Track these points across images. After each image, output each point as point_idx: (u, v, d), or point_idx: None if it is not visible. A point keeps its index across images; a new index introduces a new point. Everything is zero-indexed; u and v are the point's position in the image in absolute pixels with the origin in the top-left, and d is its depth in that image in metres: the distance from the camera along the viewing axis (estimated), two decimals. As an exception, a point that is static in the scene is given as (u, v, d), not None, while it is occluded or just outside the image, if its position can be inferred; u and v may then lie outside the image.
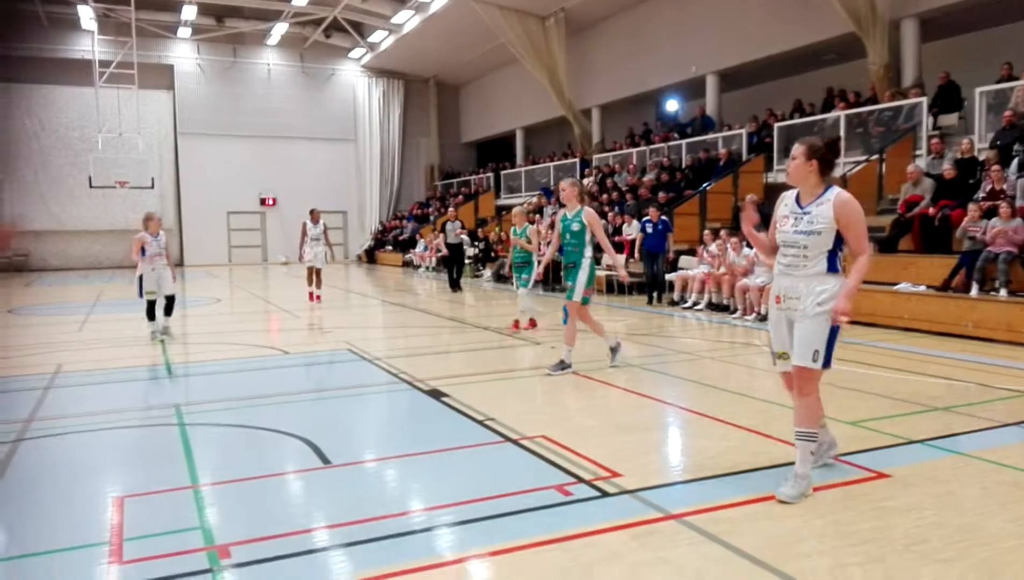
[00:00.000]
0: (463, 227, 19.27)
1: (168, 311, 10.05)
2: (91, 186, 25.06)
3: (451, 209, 20.26)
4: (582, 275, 7.34)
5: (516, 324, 10.42)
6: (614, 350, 7.67)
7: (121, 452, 5.21)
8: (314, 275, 14.24)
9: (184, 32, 27.96)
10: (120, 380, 7.67)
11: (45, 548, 3.60)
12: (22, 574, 3.37)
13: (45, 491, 4.38)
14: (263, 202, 30.30)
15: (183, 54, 28.87)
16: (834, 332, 3.97)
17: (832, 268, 4.00)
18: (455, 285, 17.55)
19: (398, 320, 12.49)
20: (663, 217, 13.62)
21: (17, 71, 26.39)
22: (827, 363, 3.97)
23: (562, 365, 7.36)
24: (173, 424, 5.82)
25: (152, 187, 26.88)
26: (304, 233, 14.64)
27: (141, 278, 9.69)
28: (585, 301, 7.41)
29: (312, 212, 14.83)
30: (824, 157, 3.96)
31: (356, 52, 30.46)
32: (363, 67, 31.39)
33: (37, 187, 27.41)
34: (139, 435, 5.63)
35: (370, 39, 28.96)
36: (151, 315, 9.85)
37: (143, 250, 9.66)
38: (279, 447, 5.28)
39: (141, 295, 9.74)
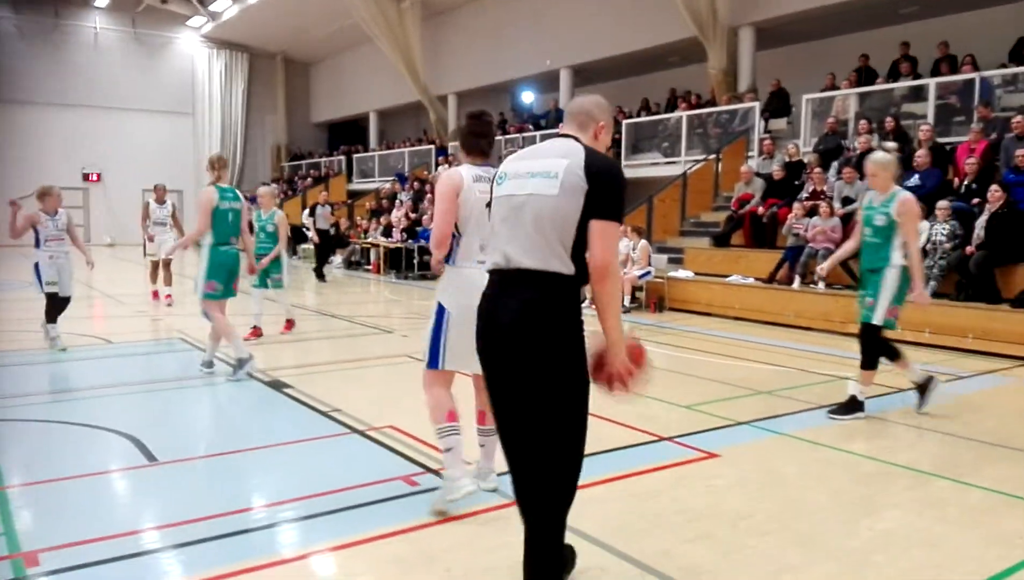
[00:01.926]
0: (333, 212, 17.85)
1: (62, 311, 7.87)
2: None
3: (322, 192, 18.65)
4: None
5: (289, 324, 9.00)
6: (209, 364, 6.82)
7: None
8: (160, 269, 11.62)
9: (-4, -14, 25.16)
10: (-90, 371, 6.79)
11: None
12: None
13: None
14: (86, 178, 27.82)
15: (-4, 11, 25.98)
16: (436, 331, 3.68)
17: (447, 258, 3.71)
18: (320, 274, 16.14)
19: (236, 308, 11.89)
20: None
21: None
22: (430, 363, 3.71)
23: (241, 363, 6.58)
24: (-26, 420, 5.22)
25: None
26: (146, 216, 11.86)
27: (37, 266, 7.67)
28: (209, 296, 6.52)
29: (156, 189, 12.21)
30: (460, 138, 3.84)
31: (196, 20, 28.57)
32: (203, 37, 29.52)
33: None
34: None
35: (211, 7, 27.23)
36: (52, 315, 7.71)
37: (36, 233, 7.66)
38: (98, 444, 4.85)
39: (42, 288, 7.68)
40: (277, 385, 6.35)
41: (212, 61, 30.04)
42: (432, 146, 23.42)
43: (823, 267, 6.52)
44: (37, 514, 3.69)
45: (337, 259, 20.11)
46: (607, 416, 5.31)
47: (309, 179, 27.56)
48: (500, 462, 4.07)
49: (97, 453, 4.67)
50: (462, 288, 3.58)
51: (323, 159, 29.16)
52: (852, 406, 5.51)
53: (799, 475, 4.32)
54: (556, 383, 2.43)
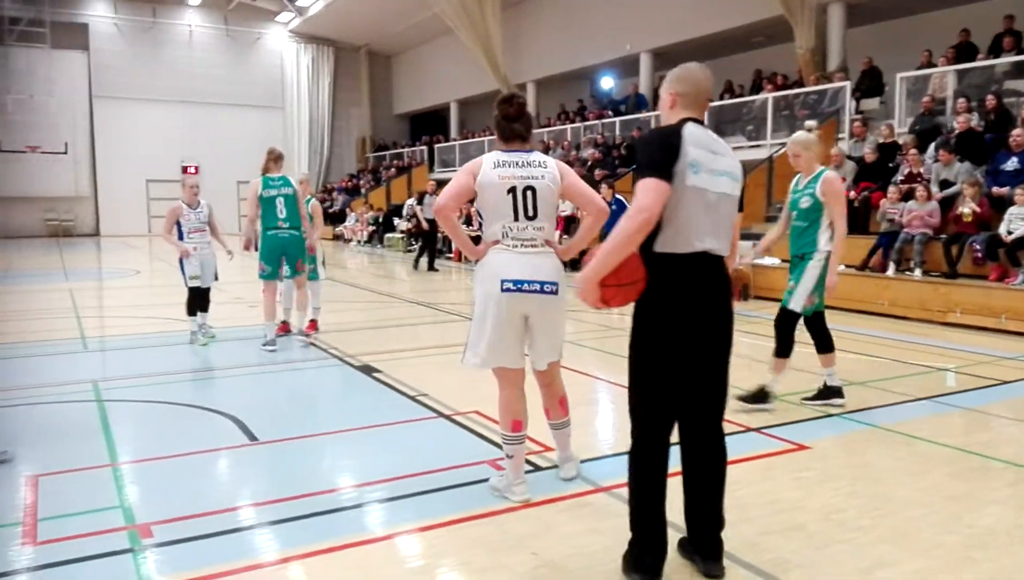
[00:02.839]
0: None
1: (203, 305, 7.89)
2: (1, 150, 23.68)
3: (430, 181, 18.26)
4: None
5: (313, 324, 8.30)
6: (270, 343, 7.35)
7: (34, 429, 4.96)
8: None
9: (100, -11, 26.57)
10: (33, 354, 7.31)
11: (-50, 531, 3.41)
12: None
13: (-50, 471, 4.15)
14: (185, 170, 29.15)
15: (99, 13, 27.43)
16: (474, 323, 3.71)
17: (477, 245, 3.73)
18: (431, 265, 15.98)
19: (328, 295, 12.29)
20: (617, 196, 12.69)
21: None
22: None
23: (268, 342, 7.33)
24: (90, 400, 5.59)
25: (65, 152, 25.64)
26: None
27: (182, 260, 7.65)
28: (261, 276, 7.38)
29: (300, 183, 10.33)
30: (495, 126, 3.73)
31: (284, 16, 29.49)
32: (291, 32, 30.44)
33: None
34: (53, 411, 5.38)
35: (298, 3, 28.06)
36: (192, 308, 7.73)
37: (179, 226, 7.63)
38: (203, 424, 5.13)
39: (186, 282, 7.70)
40: (367, 369, 6.56)
41: (300, 56, 30.93)
42: (512, 134, 23.48)
43: (748, 257, 6.25)
44: (149, 489, 3.93)
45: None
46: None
47: (393, 169, 28.10)
48: (579, 448, 4.12)
49: (203, 432, 4.94)
50: (485, 277, 3.56)
51: (406, 149, 29.66)
52: (760, 397, 5.27)
53: (893, 469, 4.18)
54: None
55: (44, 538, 3.31)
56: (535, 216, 3.52)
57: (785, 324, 5.27)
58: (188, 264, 7.61)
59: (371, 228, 24.01)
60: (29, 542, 3.28)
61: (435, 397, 5.59)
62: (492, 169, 3.52)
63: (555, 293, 3.55)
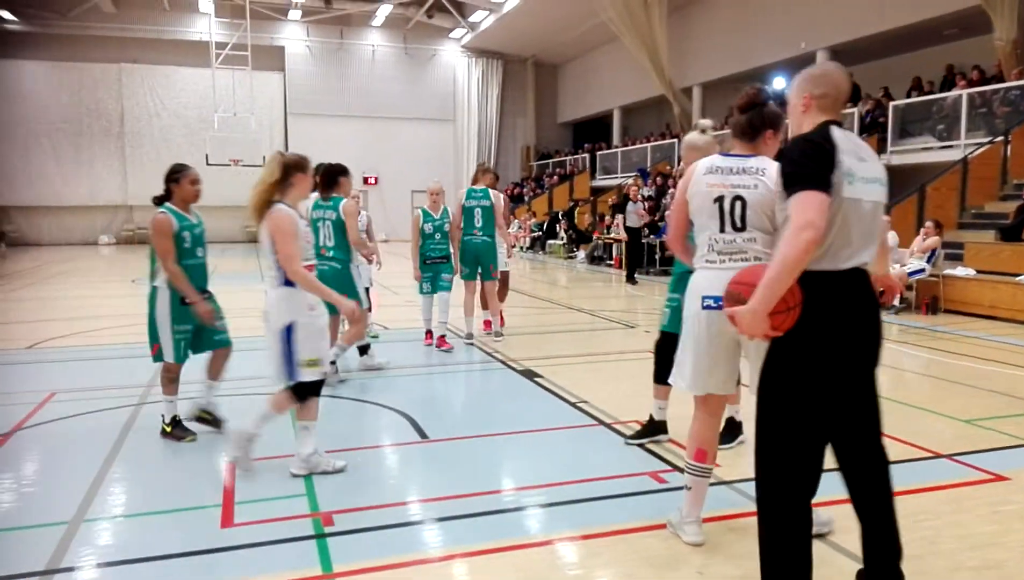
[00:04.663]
0: (646, 207, 16.01)
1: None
2: (208, 164, 26.33)
3: (632, 186, 16.58)
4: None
5: (442, 339, 7.93)
6: (469, 336, 8.29)
7: (234, 418, 5.44)
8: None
9: (294, 14, 28.79)
10: (236, 349, 8.00)
11: (161, 507, 3.82)
12: (137, 530, 3.60)
13: (162, 453, 4.66)
14: (365, 181, 31.02)
15: (293, 36, 29.80)
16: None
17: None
18: (630, 277, 15.01)
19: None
20: None
21: (142, 52, 27.96)
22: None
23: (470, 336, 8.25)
24: (280, 394, 6.07)
25: (263, 165, 28.01)
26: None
27: None
28: (461, 277, 8.11)
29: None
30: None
31: (457, 32, 30.67)
32: (463, 48, 31.59)
33: (159, 164, 28.86)
34: (251, 403, 5.88)
35: (471, 19, 29.08)
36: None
37: None
38: (380, 420, 5.45)
39: None
40: (529, 374, 6.69)
41: (471, 69, 32.03)
42: (675, 140, 23.05)
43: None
44: (332, 479, 4.19)
45: (580, 254, 20.57)
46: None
47: (555, 177, 28.41)
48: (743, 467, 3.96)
49: (378, 427, 5.26)
50: (688, 294, 3.27)
51: (568, 157, 29.90)
52: (654, 429, 4.66)
53: (1113, 509, 3.71)
54: None
55: (240, 520, 3.63)
56: (743, 227, 3.15)
57: (667, 348, 4.11)
58: None
59: (534, 234, 24.43)
60: (227, 523, 3.61)
61: (595, 405, 5.59)
62: (703, 175, 3.23)
63: None
